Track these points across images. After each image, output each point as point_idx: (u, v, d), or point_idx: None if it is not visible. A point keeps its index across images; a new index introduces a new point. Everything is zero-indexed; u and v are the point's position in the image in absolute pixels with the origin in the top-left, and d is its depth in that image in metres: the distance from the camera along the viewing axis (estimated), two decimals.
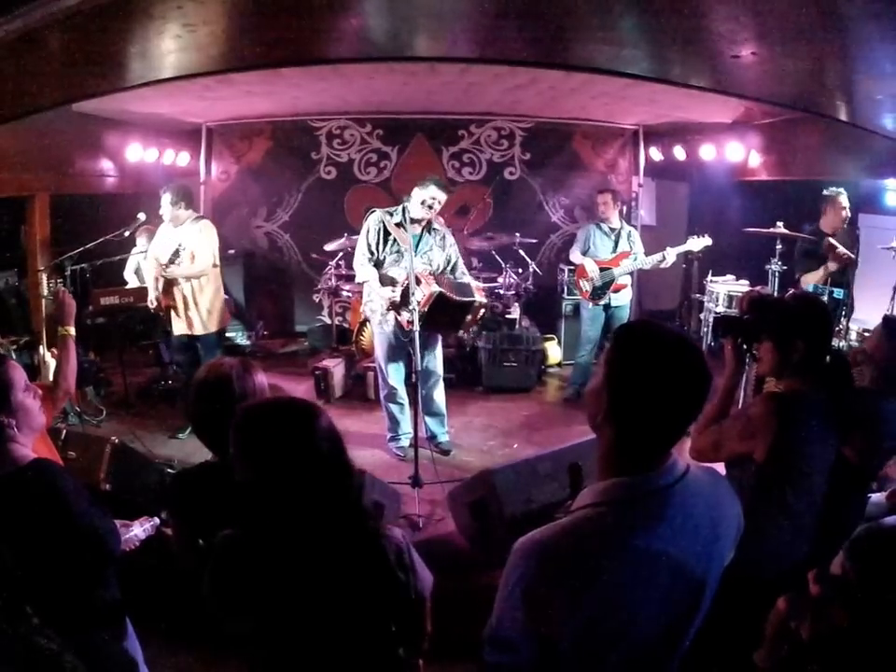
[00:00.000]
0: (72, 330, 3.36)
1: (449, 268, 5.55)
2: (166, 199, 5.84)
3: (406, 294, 5.04)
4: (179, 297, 5.92)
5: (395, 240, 5.34)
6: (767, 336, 2.78)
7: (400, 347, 5.44)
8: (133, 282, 6.01)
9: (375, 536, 1.93)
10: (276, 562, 1.83)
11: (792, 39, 2.74)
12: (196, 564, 2.35)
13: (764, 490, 2.56)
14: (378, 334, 5.57)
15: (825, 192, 6.09)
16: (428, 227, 5.42)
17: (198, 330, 6.01)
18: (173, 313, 5.97)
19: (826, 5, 2.27)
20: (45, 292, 5.67)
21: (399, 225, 5.29)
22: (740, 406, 5.46)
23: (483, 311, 5.60)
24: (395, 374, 5.61)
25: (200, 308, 6.00)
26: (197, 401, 2.51)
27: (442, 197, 5.28)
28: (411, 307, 4.88)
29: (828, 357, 2.81)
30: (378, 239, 5.37)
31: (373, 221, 5.40)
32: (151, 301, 5.96)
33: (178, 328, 6.01)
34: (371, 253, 5.39)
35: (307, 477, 1.83)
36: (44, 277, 5.78)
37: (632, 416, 1.51)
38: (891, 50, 2.76)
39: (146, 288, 6.15)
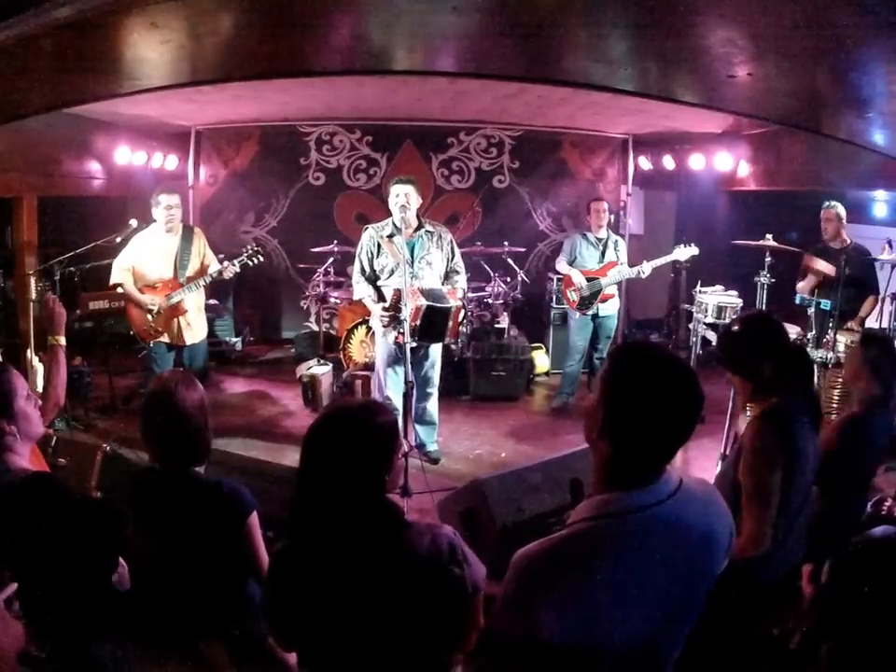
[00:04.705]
0: (62, 340, 3.31)
1: (449, 266, 5.60)
2: (174, 200, 5.74)
3: (397, 309, 5.11)
4: (192, 304, 5.88)
5: (388, 253, 5.39)
6: (732, 368, 2.79)
7: (401, 357, 5.44)
8: (127, 280, 5.76)
9: (421, 534, 1.94)
10: (323, 570, 1.87)
11: (787, 60, 2.76)
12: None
13: None
14: (380, 343, 5.61)
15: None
16: (422, 230, 5.46)
17: (200, 336, 5.98)
18: (177, 322, 5.84)
19: (821, 27, 2.29)
20: (33, 296, 5.58)
21: (391, 238, 5.33)
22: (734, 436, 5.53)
23: (462, 314, 5.64)
24: (392, 384, 5.62)
25: (202, 314, 6.04)
26: (144, 414, 2.64)
27: (408, 189, 5.31)
28: (401, 319, 4.91)
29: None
30: (372, 255, 5.46)
31: (366, 238, 5.50)
32: (152, 308, 5.71)
33: (181, 338, 5.89)
34: (364, 270, 5.50)
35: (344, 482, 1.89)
36: (32, 280, 5.69)
37: (626, 434, 1.56)
38: (884, 71, 2.79)
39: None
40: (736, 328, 2.86)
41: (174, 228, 5.81)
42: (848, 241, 6.12)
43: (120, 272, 5.76)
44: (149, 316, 5.74)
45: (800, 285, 6.23)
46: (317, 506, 1.90)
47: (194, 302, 5.91)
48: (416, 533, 1.94)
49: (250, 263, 5.88)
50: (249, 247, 5.92)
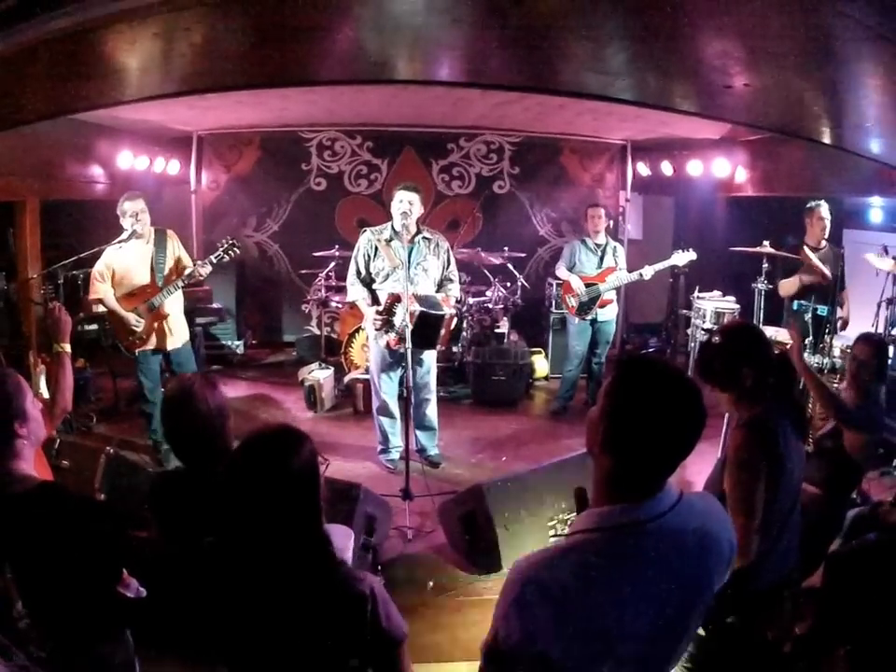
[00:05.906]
0: (67, 347, 3.32)
1: (443, 274, 5.61)
2: (139, 205, 5.54)
3: (391, 313, 5.16)
4: (173, 307, 5.71)
5: (385, 257, 5.41)
6: (712, 381, 2.78)
7: (394, 361, 5.50)
8: (108, 294, 5.61)
9: (341, 583, 1.94)
10: (237, 578, 1.89)
11: (785, 70, 2.78)
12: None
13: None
14: (373, 347, 5.62)
15: (807, 205, 6.21)
16: (420, 236, 5.47)
17: (182, 340, 5.80)
18: (159, 327, 5.66)
19: (818, 38, 2.32)
20: (37, 299, 5.57)
21: (388, 242, 5.36)
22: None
23: (454, 322, 5.65)
24: (387, 388, 5.65)
25: (182, 317, 5.88)
26: (166, 416, 2.64)
27: (413, 197, 5.32)
28: (398, 325, 4.94)
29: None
30: (369, 258, 5.48)
31: (363, 241, 5.51)
32: (137, 324, 5.54)
33: (164, 343, 5.69)
34: (360, 273, 5.52)
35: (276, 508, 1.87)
36: (36, 284, 5.70)
37: (628, 448, 1.56)
38: (878, 81, 2.82)
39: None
40: (717, 339, 2.85)
41: (144, 234, 5.64)
42: (825, 243, 6.13)
43: (98, 286, 5.59)
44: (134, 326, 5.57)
45: (786, 283, 6.15)
46: (246, 544, 1.90)
47: (175, 305, 5.75)
48: (341, 579, 1.94)
49: (226, 257, 5.71)
50: (224, 241, 5.71)
